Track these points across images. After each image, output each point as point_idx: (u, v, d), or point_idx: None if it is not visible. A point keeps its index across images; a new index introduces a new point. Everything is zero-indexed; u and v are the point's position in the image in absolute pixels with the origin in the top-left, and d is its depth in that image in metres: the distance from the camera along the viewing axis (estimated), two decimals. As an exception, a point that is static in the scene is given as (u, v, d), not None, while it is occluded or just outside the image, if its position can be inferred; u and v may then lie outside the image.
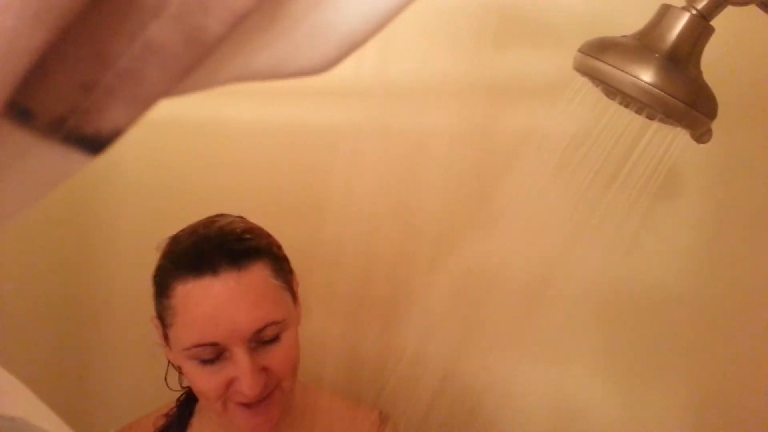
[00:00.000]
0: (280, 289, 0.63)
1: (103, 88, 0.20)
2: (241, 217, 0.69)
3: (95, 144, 0.21)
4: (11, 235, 0.95)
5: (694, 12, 0.50)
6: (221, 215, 0.67)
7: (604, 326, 0.81)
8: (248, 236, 0.63)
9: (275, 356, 0.61)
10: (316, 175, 0.90)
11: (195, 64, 0.21)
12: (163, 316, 0.62)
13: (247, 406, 0.61)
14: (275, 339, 0.62)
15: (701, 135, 0.53)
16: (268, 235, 0.66)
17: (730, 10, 0.49)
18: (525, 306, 0.76)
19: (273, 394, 0.62)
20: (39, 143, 0.21)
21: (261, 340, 0.61)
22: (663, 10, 0.51)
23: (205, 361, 0.60)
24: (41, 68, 0.19)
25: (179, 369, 0.67)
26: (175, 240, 0.65)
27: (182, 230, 0.65)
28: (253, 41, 0.22)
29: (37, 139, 0.21)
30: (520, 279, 0.74)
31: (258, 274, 0.61)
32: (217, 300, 0.58)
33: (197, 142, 1.01)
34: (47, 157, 0.21)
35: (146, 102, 0.21)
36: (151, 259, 1.04)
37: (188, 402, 0.73)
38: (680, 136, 0.53)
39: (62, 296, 1.06)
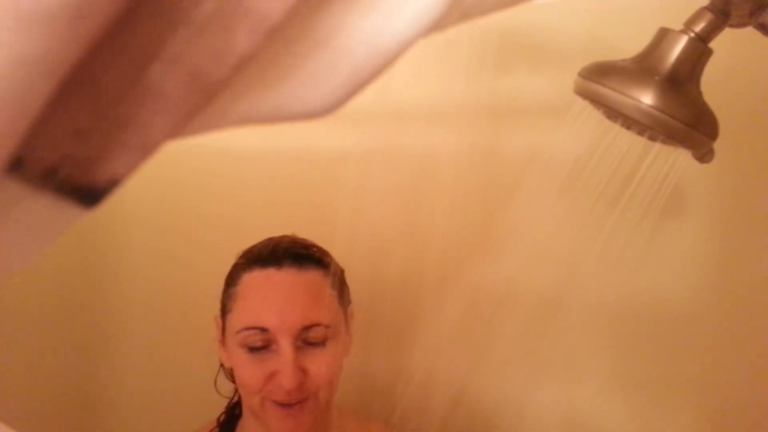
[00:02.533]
0: (334, 299, 0.68)
1: (100, 135, 0.19)
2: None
3: (90, 196, 0.20)
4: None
5: (692, 35, 0.50)
6: (293, 234, 0.73)
7: (613, 343, 0.81)
8: (315, 249, 0.70)
9: (317, 361, 0.65)
10: (323, 200, 0.90)
11: (198, 109, 0.19)
12: (226, 304, 0.69)
13: (282, 405, 0.64)
14: (320, 344, 0.65)
15: (703, 155, 0.54)
16: (333, 259, 0.71)
17: (728, 32, 0.50)
18: (535, 325, 0.77)
19: (308, 401, 0.65)
20: (30, 194, 0.19)
21: (307, 340, 0.65)
22: (661, 33, 0.52)
23: (253, 349, 0.64)
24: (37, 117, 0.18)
25: (230, 371, 0.71)
26: (251, 246, 0.72)
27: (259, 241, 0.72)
28: (257, 84, 0.21)
29: (27, 190, 0.19)
30: (528, 298, 0.74)
31: (316, 278, 0.67)
32: (275, 288, 0.65)
33: (208, 166, 1.02)
34: (39, 209, 0.19)
35: (146, 149, 0.20)
36: (162, 269, 1.05)
37: (230, 420, 0.75)
38: (683, 157, 0.54)
39: (72, 305, 1.07)
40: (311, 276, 0.66)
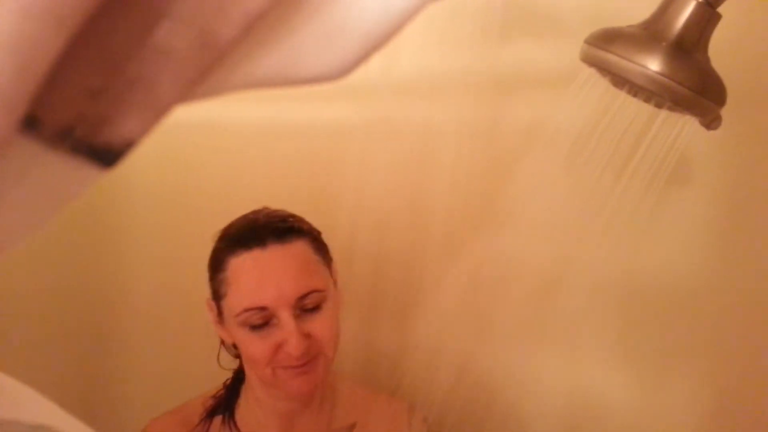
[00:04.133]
0: (320, 263, 0.70)
1: (113, 95, 0.19)
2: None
3: (107, 156, 0.20)
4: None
5: (700, 0, 0.50)
6: (266, 207, 0.74)
7: (617, 317, 0.81)
8: (291, 219, 0.71)
9: (317, 324, 0.68)
10: (326, 174, 0.90)
11: (207, 69, 0.20)
12: (218, 289, 0.70)
13: (293, 367, 0.67)
14: (317, 308, 0.68)
15: (711, 122, 0.53)
16: (309, 223, 0.73)
17: (736, -4, 0.49)
18: (539, 298, 0.77)
19: (316, 358, 0.68)
20: (46, 154, 0.19)
21: (304, 307, 0.67)
22: (669, -2, 0.51)
23: (255, 327, 0.67)
24: (48, 73, 0.18)
25: (233, 346, 0.74)
26: (227, 227, 0.73)
27: (233, 220, 0.73)
28: (266, 44, 0.21)
29: (44, 150, 0.19)
30: (533, 271, 0.74)
31: (300, 248, 0.69)
32: (264, 268, 0.67)
33: (210, 141, 1.02)
34: (56, 169, 0.20)
35: (159, 110, 0.20)
36: (169, 255, 1.06)
37: (235, 384, 0.78)
38: (689, 124, 0.53)
39: (80, 292, 1.07)
40: (295, 247, 0.69)
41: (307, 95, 0.91)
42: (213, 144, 1.01)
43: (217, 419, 0.76)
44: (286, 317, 0.66)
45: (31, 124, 0.19)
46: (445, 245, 0.78)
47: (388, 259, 0.79)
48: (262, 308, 0.66)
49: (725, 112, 0.53)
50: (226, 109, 0.97)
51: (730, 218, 0.73)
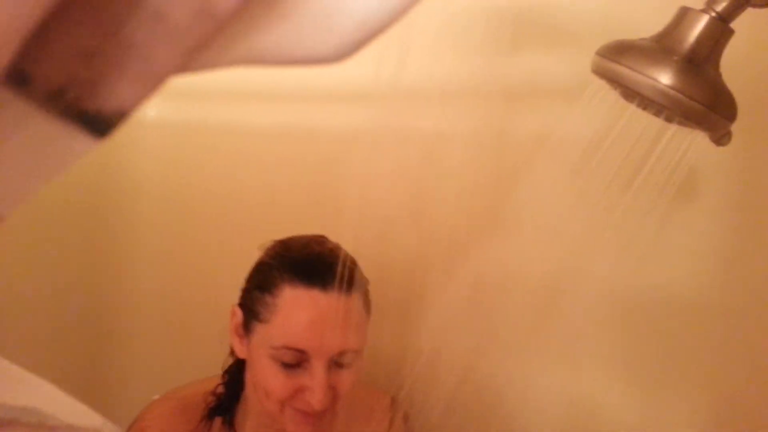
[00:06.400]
0: (366, 323, 0.71)
1: (106, 58, 0.19)
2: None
3: (98, 123, 0.19)
4: (31, 229, 0.96)
5: (713, 14, 0.50)
6: (324, 237, 0.73)
7: (620, 329, 0.81)
8: (353, 267, 0.70)
9: (343, 380, 0.67)
10: (331, 179, 0.90)
11: (205, 40, 0.19)
12: (259, 310, 0.68)
13: (304, 413, 0.66)
14: (347, 365, 0.68)
15: (720, 137, 0.53)
16: (360, 269, 0.72)
17: (750, 12, 0.49)
18: (541, 308, 0.76)
19: (327, 410, 0.68)
20: (35, 115, 0.19)
21: (338, 362, 0.67)
22: (682, 12, 0.51)
23: (285, 365, 0.66)
24: (39, 29, 0.17)
25: (237, 357, 0.73)
26: (285, 246, 0.71)
27: (291, 238, 0.72)
28: (265, 19, 0.21)
29: (33, 110, 0.19)
30: (536, 281, 0.74)
31: (356, 303, 0.68)
32: (320, 313, 0.65)
33: (215, 145, 1.02)
34: (45, 133, 0.19)
35: (153, 79, 0.19)
36: (172, 255, 1.06)
37: (234, 386, 0.76)
38: (699, 139, 0.53)
39: (82, 291, 1.07)
40: (353, 303, 0.68)
41: (315, 101, 0.91)
42: (217, 146, 1.01)
43: (218, 420, 0.76)
44: (319, 367, 0.65)
45: (22, 80, 0.18)
46: (449, 253, 0.77)
47: (392, 266, 0.79)
48: (301, 351, 0.65)
49: (735, 128, 0.52)
50: (232, 111, 0.97)
51: (735, 234, 0.73)
